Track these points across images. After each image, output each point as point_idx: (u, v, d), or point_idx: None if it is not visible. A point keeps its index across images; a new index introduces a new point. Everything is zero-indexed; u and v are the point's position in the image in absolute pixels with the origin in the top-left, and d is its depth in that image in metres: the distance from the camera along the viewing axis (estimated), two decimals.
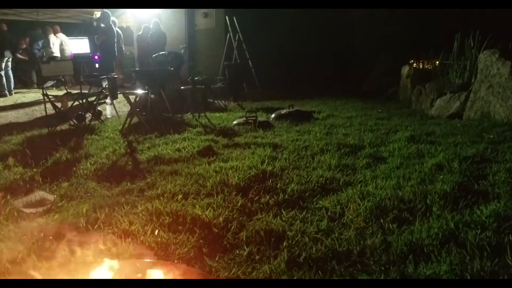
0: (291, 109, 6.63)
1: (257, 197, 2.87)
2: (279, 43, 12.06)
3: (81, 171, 3.70)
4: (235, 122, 6.11)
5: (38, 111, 7.55)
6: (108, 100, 7.50)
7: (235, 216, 2.55)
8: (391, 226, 2.26)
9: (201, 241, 2.21)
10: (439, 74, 7.29)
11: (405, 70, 8.25)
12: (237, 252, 2.12)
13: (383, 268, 1.86)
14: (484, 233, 2.07)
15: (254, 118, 5.95)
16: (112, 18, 11.77)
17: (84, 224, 2.43)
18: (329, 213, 2.54)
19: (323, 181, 3.18)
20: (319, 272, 1.88)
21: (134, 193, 3.09)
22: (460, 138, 4.18)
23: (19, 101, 9.16)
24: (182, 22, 13.64)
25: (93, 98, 6.28)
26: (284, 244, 2.12)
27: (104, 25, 9.10)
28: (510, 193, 2.63)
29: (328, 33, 12.20)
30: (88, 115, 6.55)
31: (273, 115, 6.73)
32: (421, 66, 8.84)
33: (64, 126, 6.13)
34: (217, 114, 7.34)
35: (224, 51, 12.21)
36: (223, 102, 8.63)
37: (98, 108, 7.44)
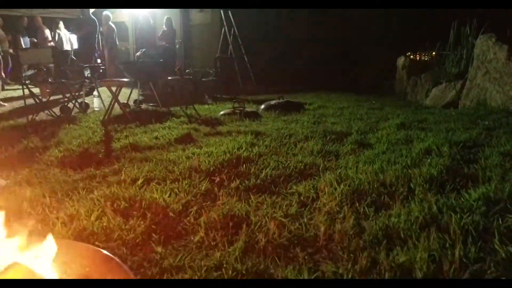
0: (281, 100, 6.40)
1: (226, 182, 2.62)
2: (274, 38, 11.82)
3: (46, 158, 3.46)
4: (222, 113, 5.88)
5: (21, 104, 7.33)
6: (95, 93, 7.28)
7: (197, 201, 2.31)
8: (367, 211, 2.02)
9: (153, 226, 1.97)
10: (436, 64, 7.05)
11: (400, 61, 8.00)
12: (191, 238, 1.87)
13: (351, 255, 1.61)
14: (471, 217, 1.82)
15: (241, 109, 5.72)
16: (105, 12, 11.57)
17: (28, 209, 2.19)
18: (302, 198, 2.29)
19: (302, 167, 2.94)
20: (278, 259, 1.63)
21: (96, 179, 2.85)
22: (453, 124, 3.93)
23: (8, 95, 8.94)
24: (177, 17, 13.40)
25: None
26: (244, 229, 1.87)
27: (83, 16, 8.86)
28: (503, 176, 2.38)
29: (324, 27, 11.95)
30: (74, 107, 6.34)
31: (262, 106, 6.49)
32: (417, 57, 8.59)
33: (45, 117, 5.90)
34: (206, 106, 7.10)
35: (219, 46, 11.98)
36: (214, 95, 8.42)
37: (85, 101, 7.25)
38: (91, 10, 9.59)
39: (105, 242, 1.78)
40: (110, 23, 11.57)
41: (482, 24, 6.12)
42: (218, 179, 2.62)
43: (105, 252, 1.24)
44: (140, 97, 7.70)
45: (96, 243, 1.78)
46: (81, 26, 9.32)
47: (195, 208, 2.19)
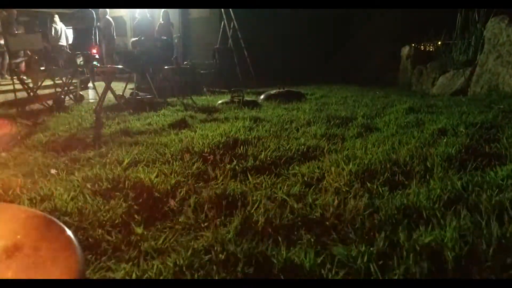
0: (281, 90, 6.15)
1: (221, 164, 2.37)
2: (275, 32, 11.57)
3: (29, 142, 3.21)
4: (220, 102, 5.64)
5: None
6: (90, 84, 7.04)
7: (188, 182, 2.06)
8: (380, 190, 1.77)
9: (135, 207, 1.72)
10: (442, 53, 6.78)
11: (405, 50, 7.73)
12: (178, 219, 1.62)
13: (365, 237, 1.36)
14: (502, 194, 1.57)
15: (240, 97, 5.48)
16: None
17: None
18: (306, 178, 2.04)
19: (305, 149, 2.69)
20: (280, 241, 1.38)
21: (80, 162, 2.60)
22: (466, 108, 3.68)
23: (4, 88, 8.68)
24: (175, 10, 13.15)
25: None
26: (240, 209, 1.62)
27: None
28: None
29: (325, 19, 11.70)
30: (67, 96, 6.10)
31: (262, 96, 6.25)
32: (422, 47, 8.33)
33: (36, 106, 5.64)
34: (203, 97, 6.86)
35: (218, 40, 11.72)
36: (212, 88, 8.18)
37: (80, 93, 7.00)
38: None
39: (78, 222, 1.53)
40: (108, 17, 11.33)
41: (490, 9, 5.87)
42: (212, 158, 2.37)
43: (48, 216, 0.99)
44: (136, 91, 7.46)
45: (66, 220, 1.53)
46: (78, 19, 9.06)
47: (185, 188, 1.94)
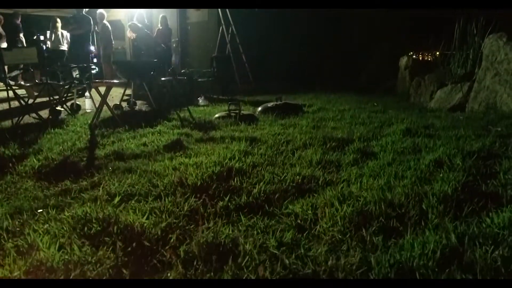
0: (278, 102, 6.12)
1: (214, 200, 2.34)
2: (273, 37, 11.54)
3: (21, 168, 3.17)
4: (217, 115, 5.60)
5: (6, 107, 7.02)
6: (87, 94, 6.99)
7: (180, 224, 2.02)
8: (374, 240, 1.73)
9: (125, 258, 1.69)
10: (440, 64, 6.75)
11: (403, 61, 7.70)
12: (168, 274, 1.59)
13: None
14: (498, 250, 1.54)
15: (236, 111, 5.45)
16: (99, 10, 11.25)
17: None
18: (299, 221, 2.01)
19: (300, 180, 2.66)
20: None
21: (72, 194, 2.57)
22: (463, 131, 3.64)
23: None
24: (173, 15, 13.10)
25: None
26: (230, 263, 1.59)
27: (75, 14, 8.57)
28: None
29: (323, 25, 11.66)
30: (64, 109, 6.05)
31: (259, 108, 6.22)
32: (420, 57, 8.29)
33: (31, 120, 5.60)
34: (201, 108, 6.82)
35: (217, 45, 11.68)
36: (210, 95, 8.14)
37: (77, 102, 6.96)
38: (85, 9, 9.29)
39: (65, 276, 1.50)
40: (105, 21, 11.28)
41: (489, 22, 5.84)
42: (205, 196, 2.33)
43: None
44: (133, 99, 7.43)
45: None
46: (75, 25, 9.02)
47: (176, 233, 1.90)
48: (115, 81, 5.38)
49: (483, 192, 2.19)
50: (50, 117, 6.02)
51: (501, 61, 4.37)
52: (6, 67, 5.28)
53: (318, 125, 4.71)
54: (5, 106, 6.48)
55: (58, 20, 11.27)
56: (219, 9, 11.46)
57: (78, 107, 6.97)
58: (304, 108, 6.38)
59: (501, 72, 4.37)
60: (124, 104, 7.03)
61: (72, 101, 6.82)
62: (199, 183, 2.53)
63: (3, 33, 11.05)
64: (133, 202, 2.32)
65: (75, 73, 5.95)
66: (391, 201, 2.10)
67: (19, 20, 11.73)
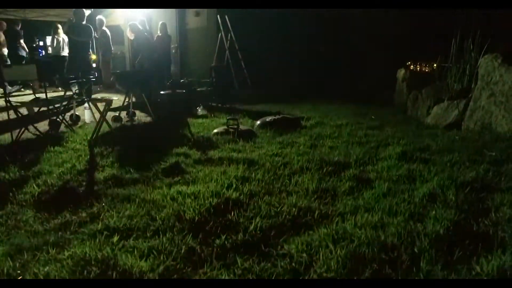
0: (277, 117, 6.18)
1: (212, 237, 2.39)
2: (272, 43, 11.59)
3: (21, 196, 3.21)
4: (215, 131, 5.65)
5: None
6: (86, 105, 7.03)
7: (178, 266, 2.07)
8: None
9: None
10: (437, 78, 6.80)
11: (400, 73, 7.75)
12: None
13: None
14: None
15: (235, 127, 5.50)
16: (99, 16, 11.29)
17: None
18: (294, 264, 2.06)
19: (296, 213, 2.71)
20: None
21: (72, 228, 2.62)
22: (457, 156, 3.69)
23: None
24: (173, 20, 13.15)
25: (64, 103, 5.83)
26: None
27: (75, 22, 8.60)
28: None
29: (322, 32, 11.71)
30: (64, 121, 6.08)
31: (258, 122, 6.27)
32: (418, 68, 8.35)
33: (31, 132, 5.63)
34: (200, 120, 6.86)
35: (215, 52, 11.73)
36: (209, 103, 8.22)
37: (76, 113, 7.00)
38: (86, 13, 9.30)
39: None
40: (104, 28, 11.33)
41: (486, 37, 5.89)
42: (204, 233, 2.38)
43: None
44: (132, 110, 7.48)
45: None
46: (77, 33, 9.06)
47: (174, 277, 1.95)
48: (114, 98, 5.41)
49: (474, 233, 2.24)
50: (50, 129, 6.06)
51: (496, 82, 4.42)
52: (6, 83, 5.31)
53: (315, 144, 4.76)
54: (5, 119, 6.53)
55: (59, 26, 11.32)
56: (218, 16, 11.51)
57: (78, 118, 7.02)
58: (302, 121, 6.44)
59: (496, 93, 4.42)
60: (123, 115, 7.08)
61: (72, 112, 6.87)
62: (196, 218, 2.58)
63: (4, 40, 11.13)
64: (131, 240, 2.36)
65: (75, 89, 5.98)
66: (384, 242, 2.14)
67: (19, 27, 11.80)
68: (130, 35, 8.57)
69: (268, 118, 6.18)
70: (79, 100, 7.17)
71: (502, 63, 4.36)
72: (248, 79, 11.15)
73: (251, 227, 2.47)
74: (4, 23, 10.93)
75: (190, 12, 13.24)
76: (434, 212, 2.48)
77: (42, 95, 6.12)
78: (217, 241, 2.32)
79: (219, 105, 8.75)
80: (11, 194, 3.20)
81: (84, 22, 9.16)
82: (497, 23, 6.58)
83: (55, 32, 11.18)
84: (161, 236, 2.39)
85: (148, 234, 2.46)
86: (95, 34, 10.78)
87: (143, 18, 10.42)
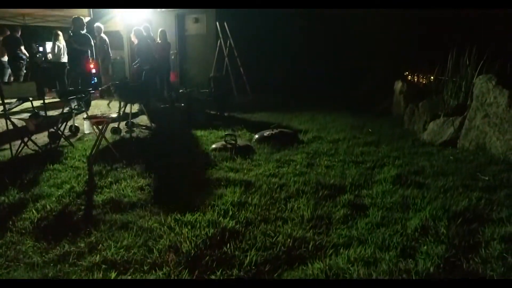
0: (274, 131, 6.24)
1: (208, 272, 2.44)
2: (271, 50, 11.66)
3: (21, 223, 3.26)
4: (213, 146, 5.70)
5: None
6: (85, 115, 7.08)
7: None
8: None
9: None
10: (434, 91, 6.85)
11: (398, 86, 7.82)
12: None
13: None
14: None
15: (233, 142, 5.56)
16: (97, 24, 11.35)
17: None
18: None
19: (291, 243, 2.76)
20: None
21: (70, 260, 2.66)
22: (451, 180, 3.75)
23: None
24: (172, 27, 13.21)
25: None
26: None
27: (73, 31, 8.67)
28: (506, 274, 2.20)
29: (321, 40, 11.77)
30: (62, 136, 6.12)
31: (256, 136, 6.33)
32: (415, 79, 8.40)
33: (30, 147, 5.67)
34: (199, 133, 6.90)
35: (214, 59, 11.79)
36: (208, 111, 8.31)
37: (75, 124, 7.04)
38: (84, 24, 9.37)
39: None
40: (102, 34, 11.38)
41: (482, 53, 5.95)
42: (200, 268, 2.43)
43: None
44: (131, 120, 7.54)
45: None
46: (77, 42, 9.14)
47: None
48: (113, 115, 5.46)
49: (463, 270, 2.29)
50: (49, 142, 6.10)
51: (491, 103, 4.47)
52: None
53: (312, 163, 4.81)
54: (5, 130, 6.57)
55: (60, 32, 11.37)
56: (217, 23, 11.57)
57: (77, 129, 7.07)
58: (300, 134, 6.50)
59: (490, 114, 4.47)
60: (122, 126, 7.13)
61: (71, 124, 6.91)
62: (192, 252, 2.63)
63: (5, 47, 11.19)
64: (129, 273, 2.42)
65: (74, 104, 6.03)
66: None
67: (19, 33, 11.84)
68: (134, 40, 8.65)
69: (266, 133, 6.24)
70: (78, 112, 7.24)
71: (497, 85, 4.41)
72: (247, 87, 11.22)
73: (246, 261, 2.52)
74: (7, 29, 11.02)
75: (189, 19, 13.32)
76: (425, 247, 2.53)
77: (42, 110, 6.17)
78: (213, 276, 2.38)
79: (219, 113, 8.82)
80: (10, 222, 3.24)
81: (83, 31, 9.24)
82: (493, 39, 6.63)
83: (55, 39, 11.23)
84: (157, 271, 2.43)
85: (145, 268, 2.51)
86: (95, 41, 10.84)
87: (147, 25, 10.47)
